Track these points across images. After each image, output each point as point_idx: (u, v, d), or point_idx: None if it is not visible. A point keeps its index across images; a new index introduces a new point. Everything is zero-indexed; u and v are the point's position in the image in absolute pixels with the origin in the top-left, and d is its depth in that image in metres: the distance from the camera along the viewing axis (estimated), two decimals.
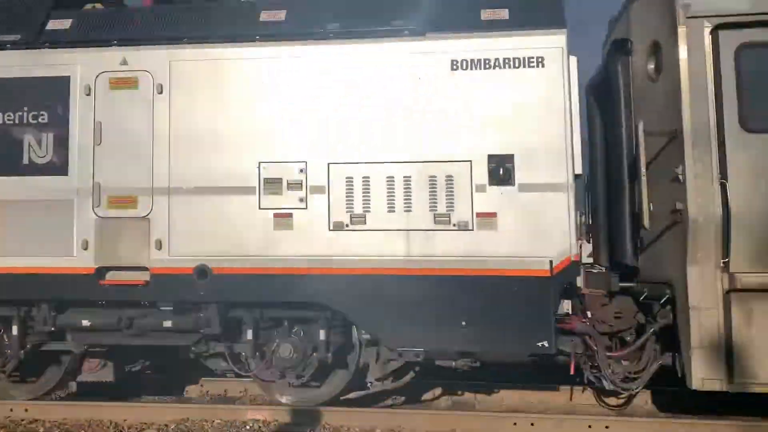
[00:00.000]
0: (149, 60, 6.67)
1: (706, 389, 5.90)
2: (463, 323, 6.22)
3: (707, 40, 5.89)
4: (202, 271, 6.48)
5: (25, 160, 6.74)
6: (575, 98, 6.32)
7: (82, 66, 6.73)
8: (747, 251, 5.81)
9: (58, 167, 6.68)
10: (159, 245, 6.50)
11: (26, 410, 6.70)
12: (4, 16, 7.08)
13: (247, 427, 6.23)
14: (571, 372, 6.40)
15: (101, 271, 6.61)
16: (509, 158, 6.25)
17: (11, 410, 6.70)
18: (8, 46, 6.87)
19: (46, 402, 6.98)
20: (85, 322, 6.65)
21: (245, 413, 6.44)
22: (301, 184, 6.40)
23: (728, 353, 5.82)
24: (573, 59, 6.37)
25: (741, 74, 5.88)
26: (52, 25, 6.96)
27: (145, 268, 6.55)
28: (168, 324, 6.60)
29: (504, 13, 6.45)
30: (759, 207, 5.77)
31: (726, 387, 5.84)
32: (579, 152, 6.34)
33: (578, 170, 6.32)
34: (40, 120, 6.72)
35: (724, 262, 5.81)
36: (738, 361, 5.84)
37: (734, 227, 5.77)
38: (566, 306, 6.44)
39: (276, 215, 6.40)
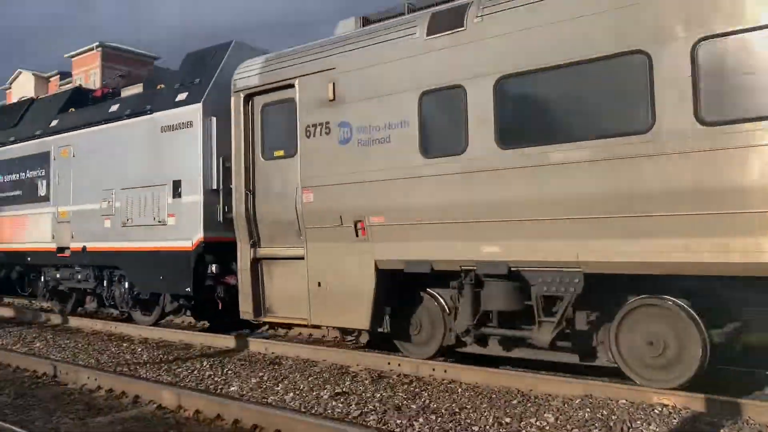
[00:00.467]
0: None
1: (245, 318, 9.68)
2: (161, 276, 11.00)
3: (242, 103, 9.61)
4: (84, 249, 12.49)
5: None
6: (213, 143, 10.49)
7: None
8: (263, 235, 9.44)
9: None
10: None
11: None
12: None
13: (656, 411, 5.94)
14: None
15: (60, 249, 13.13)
16: (179, 182, 10.80)
17: (433, 370, 7.75)
18: None
19: (462, 366, 7.77)
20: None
21: (652, 396, 6.23)
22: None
23: (257, 296, 9.52)
24: (213, 119, 10.53)
25: (264, 122, 9.49)
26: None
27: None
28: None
29: (184, 96, 10.94)
30: (267, 209, 9.34)
31: (253, 318, 9.56)
32: (215, 176, 10.48)
33: (214, 186, 10.48)
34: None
35: (252, 242, 9.53)
36: (264, 300, 9.50)
37: (257, 221, 9.45)
38: (215, 268, 10.63)
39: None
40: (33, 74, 62.15)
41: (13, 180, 14.32)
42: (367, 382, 7.60)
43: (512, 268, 7.09)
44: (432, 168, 7.58)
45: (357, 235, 8.22)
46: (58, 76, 60.94)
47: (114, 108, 12.41)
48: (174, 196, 10.85)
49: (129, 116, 11.84)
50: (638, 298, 6.67)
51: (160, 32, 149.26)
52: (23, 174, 13.96)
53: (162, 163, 11.08)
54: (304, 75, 8.82)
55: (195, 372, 8.31)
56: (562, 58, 6.63)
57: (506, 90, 7.07)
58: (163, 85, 11.91)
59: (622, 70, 6.32)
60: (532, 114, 7.02)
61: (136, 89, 12.70)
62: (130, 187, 11.57)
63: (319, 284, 8.62)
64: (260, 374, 8.06)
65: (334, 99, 8.43)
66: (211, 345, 10.21)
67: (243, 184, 9.57)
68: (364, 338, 9.37)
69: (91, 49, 56.57)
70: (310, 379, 7.76)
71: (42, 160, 13.49)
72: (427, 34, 7.72)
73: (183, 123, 10.75)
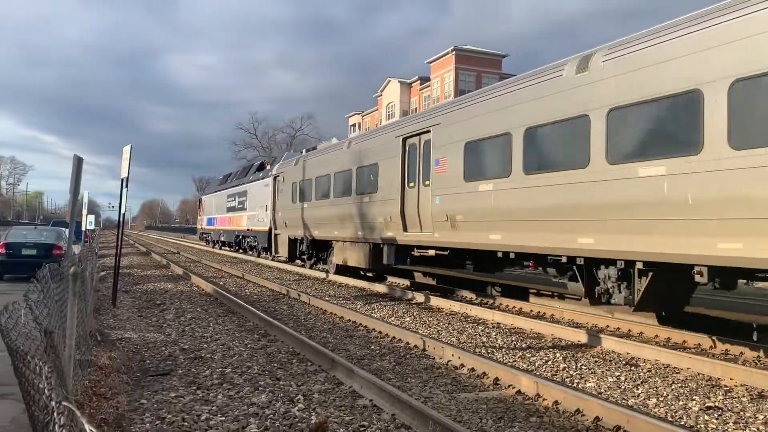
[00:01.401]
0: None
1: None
2: None
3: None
4: None
5: None
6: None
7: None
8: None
9: None
10: None
11: None
12: None
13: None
14: None
15: None
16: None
17: None
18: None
19: None
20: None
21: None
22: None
23: None
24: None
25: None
26: None
27: None
28: None
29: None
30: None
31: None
32: None
33: None
34: None
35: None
36: None
37: None
38: None
39: None
40: (399, 81, 70.23)
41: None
42: (744, 399, 6.68)
43: None
44: None
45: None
46: (419, 81, 67.70)
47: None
48: None
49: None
50: None
51: (509, 30, 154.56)
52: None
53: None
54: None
55: (549, 362, 8.38)
56: None
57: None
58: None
59: None
60: None
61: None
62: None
63: None
64: (616, 374, 7.73)
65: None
66: (561, 337, 10.19)
67: None
68: None
69: (447, 54, 61.37)
70: (673, 387, 7.15)
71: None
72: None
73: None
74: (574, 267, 10.15)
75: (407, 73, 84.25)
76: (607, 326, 11.35)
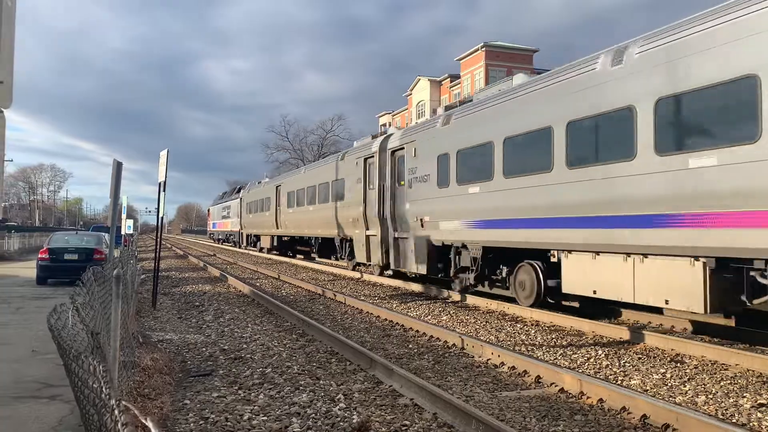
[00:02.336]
0: None
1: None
2: None
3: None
4: None
5: None
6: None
7: None
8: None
9: None
10: None
11: None
12: None
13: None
14: None
15: None
16: None
17: None
18: None
19: None
20: None
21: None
22: None
23: None
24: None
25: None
26: None
27: None
28: None
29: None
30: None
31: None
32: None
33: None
34: None
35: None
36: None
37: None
38: None
39: None
40: (428, 80, 70.07)
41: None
42: None
43: None
44: None
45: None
46: (449, 79, 67.43)
47: None
48: None
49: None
50: None
51: (540, 24, 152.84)
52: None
53: None
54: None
55: (591, 360, 8.23)
56: None
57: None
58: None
59: None
60: None
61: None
62: None
63: None
64: (661, 371, 7.55)
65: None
66: (602, 334, 10.01)
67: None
68: None
69: (477, 50, 60.99)
70: (722, 384, 6.95)
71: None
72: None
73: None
74: None
75: (438, 71, 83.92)
76: (650, 322, 11.10)
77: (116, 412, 1.43)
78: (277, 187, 33.55)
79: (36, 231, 63.35)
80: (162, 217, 14.48)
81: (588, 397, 6.28)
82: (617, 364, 7.99)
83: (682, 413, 5.32)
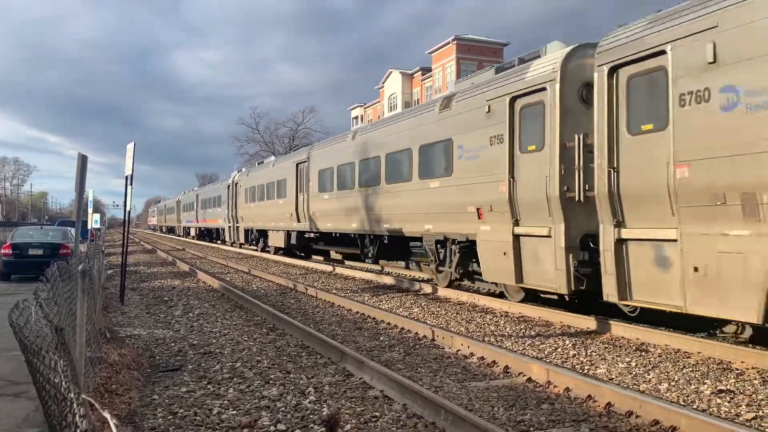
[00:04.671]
0: None
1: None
2: None
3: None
4: None
5: None
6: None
7: None
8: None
9: None
10: None
11: None
12: None
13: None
14: None
15: None
16: None
17: None
18: None
19: None
20: None
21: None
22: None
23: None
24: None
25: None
26: None
27: None
28: None
29: None
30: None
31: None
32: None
33: None
34: None
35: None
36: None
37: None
38: None
39: None
40: (400, 73, 70.05)
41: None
42: (756, 382, 6.66)
43: None
44: None
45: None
46: (421, 72, 67.49)
47: None
48: None
49: None
50: None
51: (511, 17, 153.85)
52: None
53: None
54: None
55: (558, 350, 8.37)
56: None
57: None
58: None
59: None
60: None
61: None
62: None
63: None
64: (627, 360, 7.72)
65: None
66: (570, 324, 10.17)
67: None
68: (747, 333, 8.24)
69: (448, 44, 61.15)
70: (684, 371, 7.13)
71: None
72: None
73: None
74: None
75: (412, 64, 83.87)
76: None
77: (75, 405, 1.42)
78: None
79: None
80: (129, 211, 14.27)
81: (555, 386, 6.39)
82: (584, 353, 8.15)
83: (645, 400, 5.46)
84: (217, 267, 23.95)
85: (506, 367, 7.20)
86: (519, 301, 11.90)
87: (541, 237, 10.56)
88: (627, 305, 9.41)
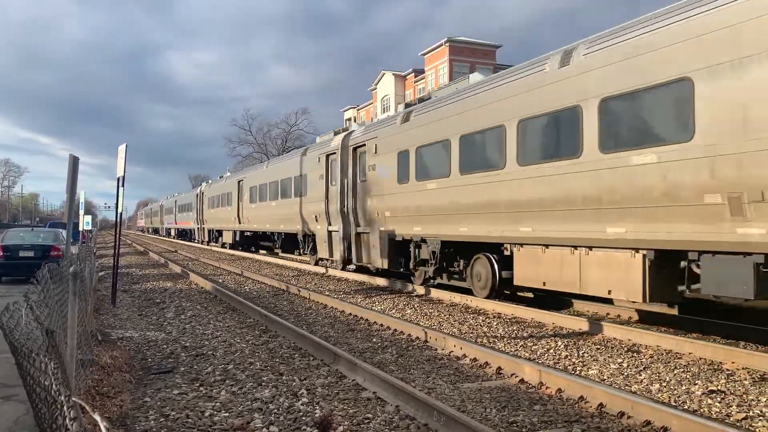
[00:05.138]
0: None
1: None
2: None
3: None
4: None
5: None
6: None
7: None
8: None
9: None
10: None
11: None
12: None
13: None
14: None
15: None
16: None
17: None
18: None
19: None
20: None
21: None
22: None
23: None
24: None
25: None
26: None
27: None
28: None
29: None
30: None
31: None
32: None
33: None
34: None
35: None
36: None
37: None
38: None
39: None
40: (393, 74, 70.11)
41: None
42: (746, 382, 6.70)
43: None
44: None
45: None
46: (413, 74, 67.59)
47: None
48: None
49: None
50: None
51: (504, 20, 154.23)
52: None
53: None
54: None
55: (551, 351, 8.39)
56: None
57: None
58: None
59: None
60: None
61: None
62: None
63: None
64: (618, 360, 7.75)
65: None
66: (562, 325, 10.21)
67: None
68: None
69: (440, 45, 61.26)
70: (676, 372, 7.17)
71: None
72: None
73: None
74: None
75: (406, 65, 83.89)
76: (608, 314, 11.37)
77: (65, 408, 1.42)
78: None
79: None
80: (121, 213, 14.21)
81: (547, 387, 6.41)
82: (576, 354, 8.17)
83: (636, 401, 5.48)
84: (209, 269, 23.88)
85: (499, 368, 7.22)
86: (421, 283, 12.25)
87: (334, 231, 19.22)
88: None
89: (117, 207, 14.04)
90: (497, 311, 11.82)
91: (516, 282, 11.50)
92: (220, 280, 18.65)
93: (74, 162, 10.07)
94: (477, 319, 11.07)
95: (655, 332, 9.13)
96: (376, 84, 73.87)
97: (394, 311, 12.12)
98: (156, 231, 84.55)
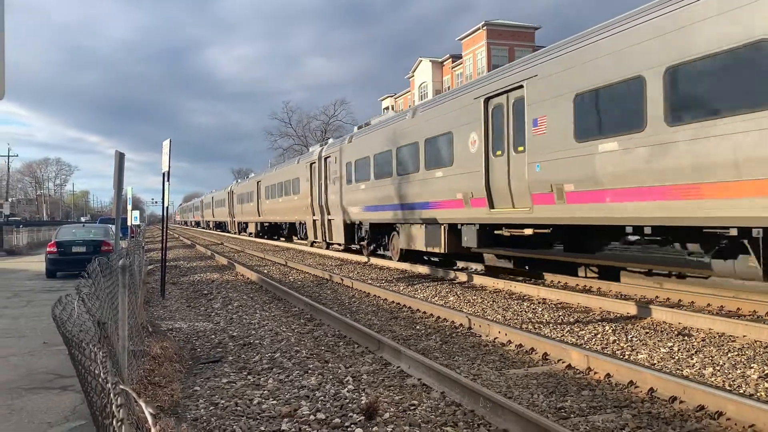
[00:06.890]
0: None
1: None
2: None
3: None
4: None
5: None
6: None
7: None
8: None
9: None
10: None
11: None
12: None
13: None
14: None
15: None
16: None
17: None
18: None
19: None
20: None
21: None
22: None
23: None
24: None
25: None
26: None
27: None
28: None
29: None
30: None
31: None
32: None
33: None
34: None
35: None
36: None
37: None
38: None
39: None
40: (430, 61, 69.58)
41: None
42: None
43: None
44: None
45: None
46: (450, 59, 66.93)
47: None
48: None
49: None
50: None
51: (543, 2, 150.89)
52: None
53: None
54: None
55: (598, 336, 8.24)
56: None
57: None
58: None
59: None
60: None
61: None
62: None
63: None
64: (669, 344, 7.56)
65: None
66: (610, 309, 10.01)
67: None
68: None
69: (478, 29, 60.45)
70: (729, 356, 6.95)
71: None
72: None
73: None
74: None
75: (443, 52, 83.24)
76: (657, 297, 11.10)
77: (112, 395, 1.45)
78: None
79: (44, 225, 63.63)
80: (167, 207, 14.52)
81: (595, 373, 6.30)
82: (624, 339, 8.01)
83: (689, 385, 5.34)
84: (254, 260, 24.26)
85: (545, 354, 7.13)
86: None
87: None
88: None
89: (163, 201, 14.35)
90: (542, 296, 11.67)
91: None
92: (265, 271, 18.92)
93: (120, 158, 10.31)
94: (521, 305, 10.95)
95: (707, 315, 8.86)
96: (413, 71, 73.44)
97: (436, 298, 12.09)
98: (197, 224, 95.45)
